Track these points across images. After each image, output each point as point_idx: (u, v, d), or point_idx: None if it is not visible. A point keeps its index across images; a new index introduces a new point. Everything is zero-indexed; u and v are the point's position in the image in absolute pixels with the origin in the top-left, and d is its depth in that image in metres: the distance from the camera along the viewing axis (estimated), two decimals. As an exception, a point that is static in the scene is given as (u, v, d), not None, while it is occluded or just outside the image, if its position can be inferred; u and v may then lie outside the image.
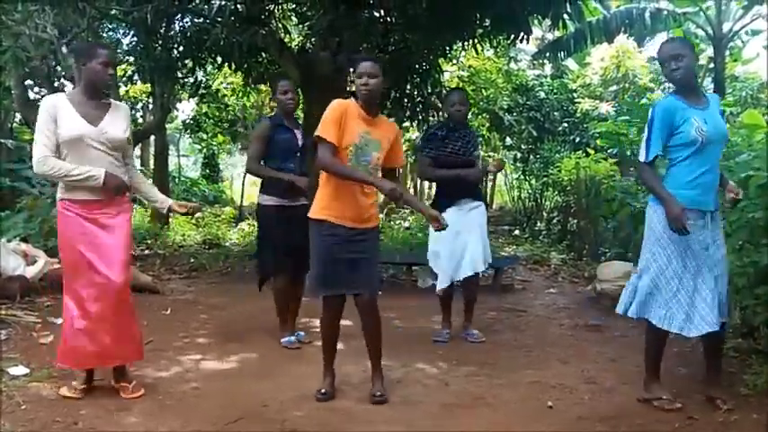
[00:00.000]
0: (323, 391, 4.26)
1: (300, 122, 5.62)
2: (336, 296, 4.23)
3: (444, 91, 10.98)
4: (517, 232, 15.26)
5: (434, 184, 6.10)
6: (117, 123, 4.16)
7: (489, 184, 24.34)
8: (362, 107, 4.17)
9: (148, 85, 13.84)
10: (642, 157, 4.05)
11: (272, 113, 6.01)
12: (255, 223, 5.63)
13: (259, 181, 5.74)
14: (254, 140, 5.62)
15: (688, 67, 3.95)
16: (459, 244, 5.65)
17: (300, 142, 5.49)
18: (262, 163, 5.48)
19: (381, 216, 12.38)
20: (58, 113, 4.03)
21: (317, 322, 5.82)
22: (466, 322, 5.93)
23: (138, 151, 21.45)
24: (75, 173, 3.99)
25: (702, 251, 3.94)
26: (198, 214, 4.24)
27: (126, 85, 14.64)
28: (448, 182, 5.77)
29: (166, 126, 16.03)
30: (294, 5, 10.18)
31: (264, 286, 5.79)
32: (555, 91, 16.31)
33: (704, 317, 3.88)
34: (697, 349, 4.84)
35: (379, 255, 4.55)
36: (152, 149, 17.75)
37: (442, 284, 5.74)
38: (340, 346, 4.46)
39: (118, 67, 12.70)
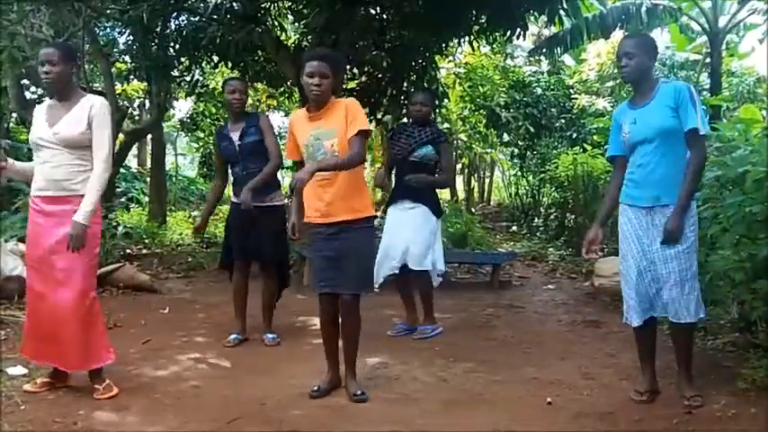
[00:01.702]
0: (315, 387, 4.27)
1: (249, 115, 5.67)
2: (327, 294, 4.23)
3: (441, 88, 10.98)
4: (515, 228, 15.26)
5: None
6: (74, 122, 4.08)
7: (486, 180, 24.41)
8: (311, 107, 4.22)
9: (145, 83, 13.81)
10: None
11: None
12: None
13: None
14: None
15: (636, 67, 4.00)
16: (389, 241, 5.78)
17: (237, 145, 5.46)
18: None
19: (378, 213, 12.39)
20: (34, 119, 4.17)
21: (314, 320, 5.86)
22: (424, 318, 5.99)
23: (134, 150, 21.43)
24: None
25: (638, 246, 4.04)
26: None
27: (122, 84, 14.62)
28: (396, 180, 5.97)
29: (163, 125, 16.00)
30: (290, 3, 10.15)
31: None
32: (552, 87, 16.29)
33: (634, 308, 4.08)
34: (694, 345, 4.85)
35: (368, 251, 4.46)
36: (149, 148, 17.71)
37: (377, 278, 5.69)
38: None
39: (117, 65, 12.72)
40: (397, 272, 5.77)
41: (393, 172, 6.05)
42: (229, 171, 5.66)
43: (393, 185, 6.01)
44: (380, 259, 5.71)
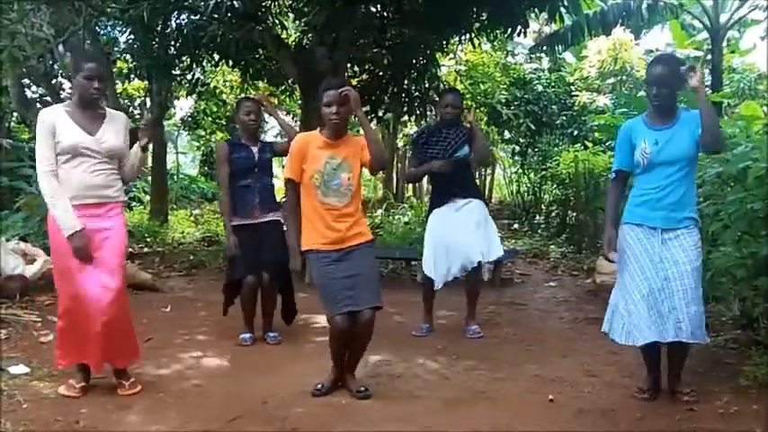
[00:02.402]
0: (319, 386, 4.27)
1: (262, 140, 5.73)
2: (342, 315, 4.09)
3: (442, 85, 10.97)
4: (516, 226, 15.24)
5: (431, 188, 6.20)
6: (114, 133, 4.21)
7: (488, 178, 24.40)
8: (327, 134, 4.22)
9: (146, 81, 13.83)
10: (611, 176, 4.35)
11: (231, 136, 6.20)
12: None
13: None
14: (218, 166, 5.76)
15: (668, 95, 3.99)
16: (455, 242, 5.68)
17: (257, 158, 5.53)
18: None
19: (380, 212, 12.40)
20: (57, 125, 4.09)
21: (317, 318, 5.86)
22: (468, 317, 5.93)
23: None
24: (57, 211, 4.05)
25: (649, 264, 3.98)
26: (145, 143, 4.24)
27: (123, 83, 14.64)
28: (436, 183, 6.01)
29: (164, 123, 16.02)
30: (291, 1, 10.15)
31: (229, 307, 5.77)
32: (552, 84, 16.29)
33: (642, 330, 3.95)
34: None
35: (377, 270, 4.52)
36: (150, 146, 17.74)
37: (438, 282, 5.79)
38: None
39: (118, 64, 12.72)
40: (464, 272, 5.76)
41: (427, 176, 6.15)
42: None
43: (434, 189, 6.08)
44: (441, 259, 5.73)
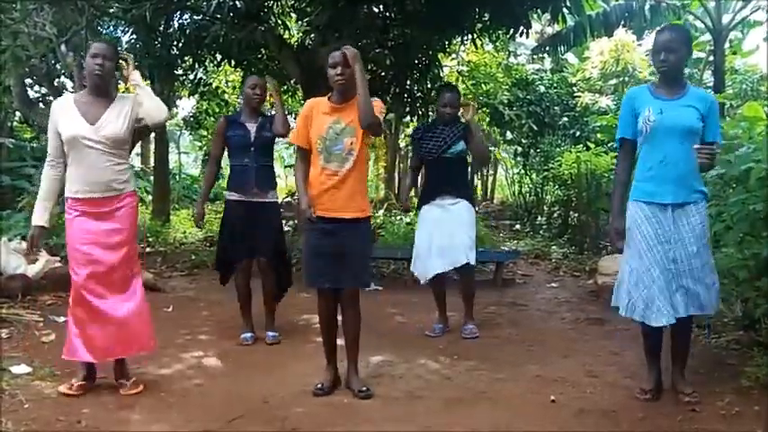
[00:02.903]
0: (319, 385, 4.27)
1: (265, 115, 5.65)
2: (327, 289, 4.23)
3: (444, 86, 10.96)
4: (518, 227, 15.24)
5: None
6: (115, 118, 4.17)
7: (490, 178, 24.40)
8: (334, 98, 4.24)
9: (148, 82, 13.83)
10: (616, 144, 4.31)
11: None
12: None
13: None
14: (213, 139, 5.82)
15: (676, 63, 3.97)
16: (440, 238, 5.71)
17: (254, 137, 5.50)
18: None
19: (381, 212, 12.38)
20: (60, 115, 4.13)
21: (318, 318, 5.87)
22: (465, 317, 5.94)
23: (138, 148, 21.42)
24: (38, 200, 4.23)
25: (658, 245, 3.96)
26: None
27: (126, 83, 14.63)
28: (428, 178, 6.04)
29: (166, 123, 16.01)
30: (293, 1, 10.16)
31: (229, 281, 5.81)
32: (555, 85, 16.27)
33: (660, 308, 3.93)
34: (697, 341, 4.86)
35: (369, 247, 4.55)
36: (152, 146, 17.74)
37: (422, 278, 5.85)
38: (341, 341, 4.43)
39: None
40: (448, 269, 5.77)
41: (422, 171, 6.18)
42: (223, 165, 5.64)
43: (425, 183, 6.06)
44: (424, 256, 5.79)
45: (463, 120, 5.83)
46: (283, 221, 5.02)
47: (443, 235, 5.69)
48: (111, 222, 4.15)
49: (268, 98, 5.77)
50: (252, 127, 5.50)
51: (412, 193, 6.63)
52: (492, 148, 18.95)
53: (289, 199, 9.84)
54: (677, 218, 3.97)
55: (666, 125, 3.93)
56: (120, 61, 4.31)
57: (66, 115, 4.12)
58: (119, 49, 4.47)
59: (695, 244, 3.95)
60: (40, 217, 4.19)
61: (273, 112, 5.61)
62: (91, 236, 4.11)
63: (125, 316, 4.17)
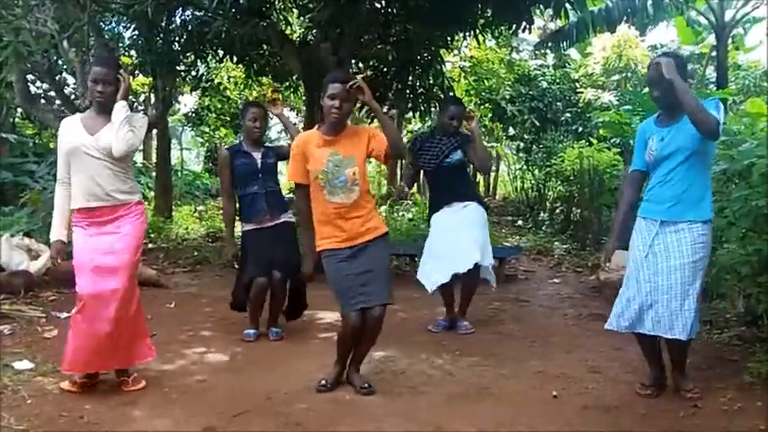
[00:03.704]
0: (323, 382, 4.26)
1: (266, 146, 5.70)
2: (355, 311, 4.09)
3: (447, 82, 10.95)
4: (520, 223, 15.23)
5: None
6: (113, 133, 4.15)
7: (492, 175, 24.38)
8: (326, 130, 4.17)
9: (150, 77, 13.83)
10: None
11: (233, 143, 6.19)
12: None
13: None
14: (219, 173, 5.82)
15: (662, 95, 4.02)
16: (453, 243, 5.66)
17: (260, 164, 5.52)
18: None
19: (384, 208, 12.39)
20: (65, 132, 4.19)
21: (321, 314, 5.87)
22: (459, 314, 5.94)
23: (140, 145, 21.42)
24: (53, 218, 4.27)
25: (642, 258, 4.06)
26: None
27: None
28: (432, 189, 6.12)
29: (168, 119, 16.02)
30: (295, -3, 10.16)
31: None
32: (557, 81, 16.27)
33: (621, 316, 4.12)
34: (699, 337, 4.85)
35: (388, 263, 4.50)
36: (154, 143, 17.75)
37: (428, 287, 5.80)
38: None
39: (122, 60, 12.72)
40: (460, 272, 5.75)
41: (423, 180, 6.17)
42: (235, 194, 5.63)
43: (430, 194, 6.09)
44: (432, 266, 5.76)
45: (466, 128, 5.84)
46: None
47: (453, 239, 5.65)
48: (115, 230, 4.15)
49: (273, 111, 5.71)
50: (257, 155, 5.53)
51: (414, 190, 6.62)
52: (494, 144, 18.97)
53: (291, 195, 9.83)
54: (668, 233, 4.01)
55: (667, 150, 4.02)
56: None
57: (70, 131, 4.17)
58: (119, 64, 4.42)
59: (679, 258, 3.94)
60: (58, 232, 4.23)
61: (275, 134, 5.61)
62: (97, 247, 4.12)
63: (125, 330, 4.15)
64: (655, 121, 4.19)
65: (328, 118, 4.10)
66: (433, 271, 5.74)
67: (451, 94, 10.89)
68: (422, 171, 6.13)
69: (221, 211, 6.39)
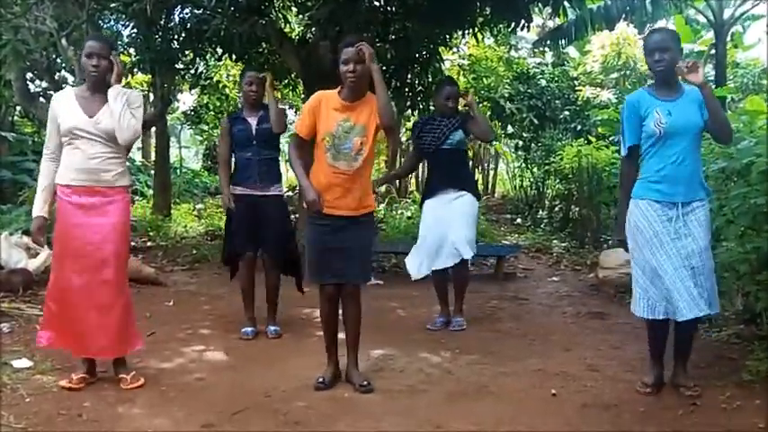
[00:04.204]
0: (321, 379, 4.27)
1: (266, 108, 5.60)
2: (330, 284, 4.21)
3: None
4: (519, 221, 15.23)
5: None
6: (112, 114, 4.13)
7: (491, 172, 24.37)
8: (345, 95, 4.15)
9: (149, 75, 13.82)
10: (622, 153, 4.29)
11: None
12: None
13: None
14: (219, 141, 5.87)
15: (671, 60, 3.97)
16: (438, 234, 5.68)
17: (254, 131, 5.53)
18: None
19: (382, 206, 12.40)
20: (60, 107, 4.15)
21: (319, 312, 5.87)
22: (455, 310, 5.94)
23: (138, 142, 21.38)
24: (37, 193, 4.27)
25: (670, 242, 3.96)
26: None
27: (126, 77, 14.62)
28: (430, 172, 6.09)
29: (167, 117, 16.00)
30: (294, -5, 10.14)
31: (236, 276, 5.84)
32: (556, 79, 16.24)
33: (665, 305, 3.98)
34: (698, 335, 4.85)
35: (372, 242, 4.53)
36: (153, 141, 17.73)
37: (413, 272, 5.81)
38: (341, 335, 4.43)
39: (121, 58, 12.71)
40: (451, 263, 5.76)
41: (423, 163, 6.17)
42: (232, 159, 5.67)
43: (428, 177, 6.07)
44: (429, 250, 5.77)
45: (462, 103, 5.86)
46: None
47: (441, 231, 5.69)
48: (101, 217, 4.13)
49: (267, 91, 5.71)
50: (253, 121, 5.54)
51: (413, 188, 6.62)
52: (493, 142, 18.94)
53: (290, 194, 9.84)
54: (686, 214, 3.98)
55: (678, 126, 3.95)
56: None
57: (65, 108, 4.13)
58: (112, 44, 4.39)
59: (704, 239, 3.97)
60: (40, 208, 4.22)
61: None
62: (80, 230, 4.10)
63: (109, 320, 4.14)
64: (650, 93, 4.10)
65: (346, 83, 4.10)
66: (419, 258, 5.77)
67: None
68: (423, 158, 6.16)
69: (220, 207, 6.39)
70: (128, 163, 4.41)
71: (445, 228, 5.68)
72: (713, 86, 12.46)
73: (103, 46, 4.18)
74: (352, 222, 4.16)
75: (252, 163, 5.49)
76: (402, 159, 20.99)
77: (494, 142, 18.73)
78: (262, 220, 5.46)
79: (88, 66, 4.15)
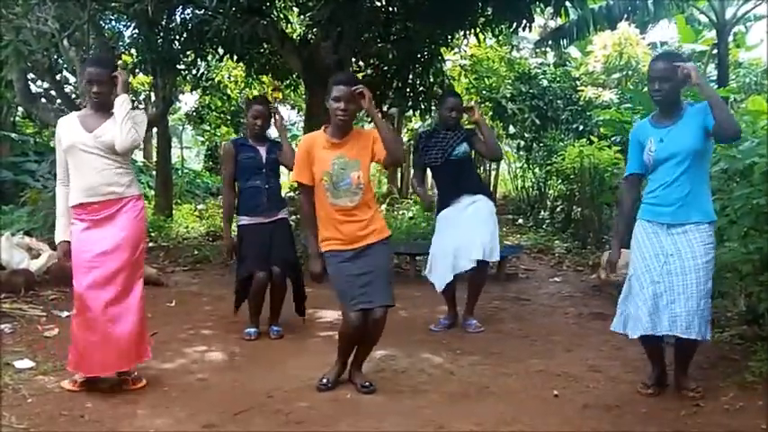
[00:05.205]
0: (324, 380, 4.26)
1: (271, 140, 5.69)
2: (355, 312, 4.07)
3: (447, 80, 10.94)
4: (521, 221, 15.23)
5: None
6: (113, 128, 4.12)
7: (493, 173, 24.36)
8: (332, 132, 4.14)
9: (150, 76, 13.84)
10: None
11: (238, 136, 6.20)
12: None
13: None
14: (222, 164, 5.79)
15: (670, 91, 3.99)
16: (458, 241, 5.65)
17: (265, 159, 5.53)
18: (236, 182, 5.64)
19: (383, 206, 12.39)
20: (63, 131, 4.18)
21: (322, 313, 5.86)
22: (466, 313, 5.93)
23: (141, 142, 21.38)
24: (57, 218, 4.30)
25: (654, 258, 4.00)
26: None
27: (128, 77, 14.63)
28: (439, 184, 6.01)
29: (169, 118, 16.02)
30: (295, -4, 10.16)
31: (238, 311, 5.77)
32: (558, 79, 16.23)
33: (638, 320, 4.00)
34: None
35: (390, 266, 4.48)
36: (154, 141, 17.75)
37: (439, 287, 5.78)
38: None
39: (123, 58, 12.72)
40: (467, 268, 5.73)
41: (430, 177, 6.17)
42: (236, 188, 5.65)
43: (438, 191, 6.05)
44: (447, 260, 5.71)
45: (471, 119, 5.84)
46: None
47: (461, 235, 5.63)
48: (113, 227, 4.13)
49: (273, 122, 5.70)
50: (262, 149, 5.53)
51: (428, 186, 6.61)
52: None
53: (291, 194, 9.84)
54: (676, 235, 3.99)
55: (666, 152, 3.98)
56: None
57: (67, 129, 4.16)
58: (114, 64, 4.39)
59: (693, 259, 3.93)
60: (62, 233, 4.25)
61: (280, 139, 5.63)
62: (93, 244, 4.10)
63: (124, 331, 4.11)
64: (650, 122, 4.16)
65: (334, 120, 4.07)
66: (441, 270, 5.73)
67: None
68: (428, 169, 6.13)
69: (222, 210, 6.37)
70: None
71: (464, 233, 5.62)
72: (715, 87, 12.47)
73: (102, 71, 4.16)
74: (366, 249, 4.13)
75: (260, 192, 5.48)
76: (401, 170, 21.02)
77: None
78: (272, 242, 5.46)
79: (89, 92, 4.18)
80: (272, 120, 5.65)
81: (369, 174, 4.21)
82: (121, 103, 4.12)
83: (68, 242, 4.22)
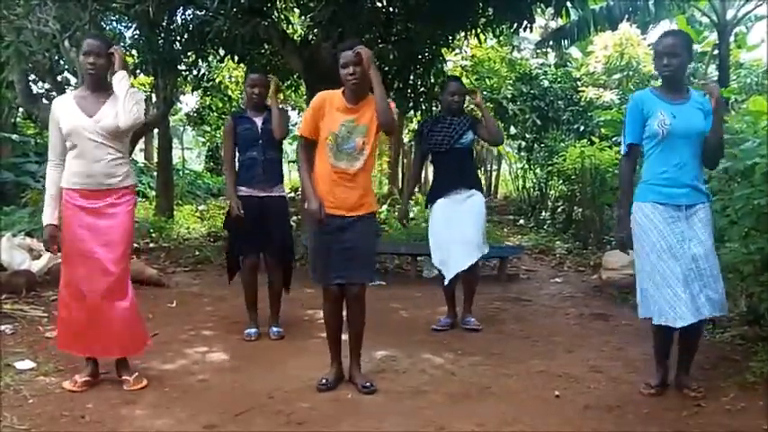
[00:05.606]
0: (323, 380, 4.27)
1: (266, 112, 5.60)
2: (333, 286, 4.22)
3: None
4: (522, 222, 15.25)
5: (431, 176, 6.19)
6: (113, 112, 4.14)
7: (494, 173, 24.38)
8: (348, 97, 4.18)
9: (151, 77, 13.84)
10: (621, 150, 4.29)
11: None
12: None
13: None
14: (223, 141, 5.77)
15: (679, 67, 4.00)
16: (451, 235, 5.65)
17: (260, 130, 5.51)
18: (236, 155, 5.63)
19: (384, 207, 12.39)
20: (60, 111, 4.15)
21: (322, 313, 5.87)
22: (465, 311, 5.93)
23: (141, 144, 21.41)
24: (46, 200, 4.25)
25: (677, 245, 3.93)
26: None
27: (129, 78, 14.63)
28: (438, 172, 5.96)
29: (170, 119, 16.03)
30: (296, -4, 10.15)
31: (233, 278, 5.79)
32: (559, 79, 16.24)
33: (684, 310, 3.87)
34: (702, 337, 4.84)
35: (375, 243, 4.51)
36: (155, 142, 17.76)
37: (448, 276, 5.74)
38: (345, 336, 4.43)
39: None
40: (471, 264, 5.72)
41: (429, 164, 6.13)
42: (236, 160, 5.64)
43: (436, 178, 6.01)
44: (446, 250, 5.72)
45: (473, 103, 5.85)
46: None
47: (457, 232, 5.64)
48: (108, 219, 4.14)
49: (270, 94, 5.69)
50: (258, 120, 5.52)
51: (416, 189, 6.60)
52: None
53: (292, 194, 9.85)
54: (689, 217, 3.98)
55: (681, 129, 3.95)
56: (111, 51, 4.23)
57: (65, 111, 4.13)
58: (110, 42, 4.38)
59: (709, 240, 3.97)
60: (50, 216, 4.22)
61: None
62: (88, 232, 4.11)
63: (118, 318, 4.15)
64: (655, 95, 4.09)
65: (347, 86, 4.13)
66: (448, 259, 5.72)
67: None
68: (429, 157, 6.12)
69: (222, 211, 6.37)
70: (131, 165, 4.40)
71: (457, 229, 5.64)
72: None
73: (100, 44, 4.18)
74: (354, 222, 4.16)
75: (257, 162, 5.46)
76: (404, 160, 21.02)
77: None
78: (265, 221, 5.43)
79: (86, 63, 4.15)
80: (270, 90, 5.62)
81: (374, 144, 4.22)
82: (120, 79, 4.15)
83: (56, 226, 4.22)
